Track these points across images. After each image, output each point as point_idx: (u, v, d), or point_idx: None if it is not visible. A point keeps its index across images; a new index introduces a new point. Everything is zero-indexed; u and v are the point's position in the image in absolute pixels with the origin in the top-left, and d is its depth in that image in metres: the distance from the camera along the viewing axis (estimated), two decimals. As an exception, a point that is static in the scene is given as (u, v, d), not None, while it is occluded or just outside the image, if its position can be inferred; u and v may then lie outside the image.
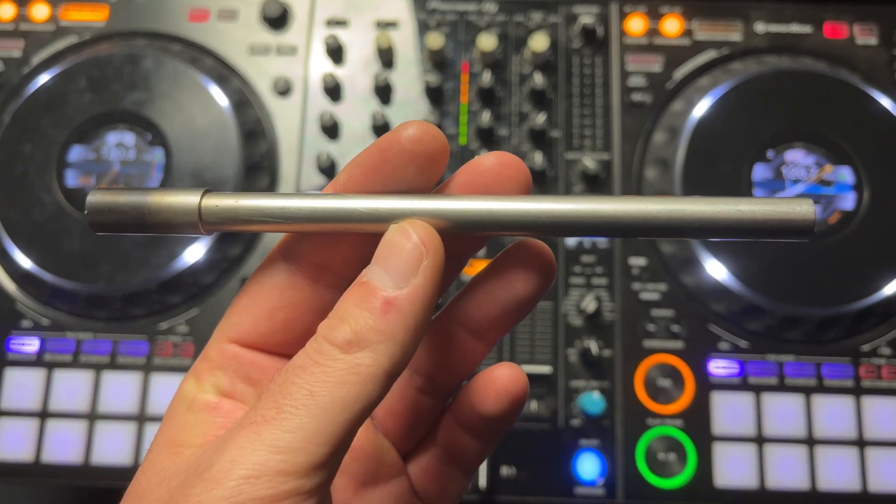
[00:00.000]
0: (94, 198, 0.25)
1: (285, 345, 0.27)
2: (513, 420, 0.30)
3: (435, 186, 0.26)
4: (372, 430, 0.30)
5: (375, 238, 0.24)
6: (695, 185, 0.53)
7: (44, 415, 0.51)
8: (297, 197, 0.25)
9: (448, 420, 0.30)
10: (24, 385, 0.52)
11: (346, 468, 0.29)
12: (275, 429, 0.22)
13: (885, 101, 0.55)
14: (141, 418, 0.51)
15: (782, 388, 0.51)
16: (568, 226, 0.25)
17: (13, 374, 0.52)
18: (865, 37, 0.58)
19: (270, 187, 0.56)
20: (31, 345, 0.53)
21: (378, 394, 0.23)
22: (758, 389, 0.51)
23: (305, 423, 0.21)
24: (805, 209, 0.25)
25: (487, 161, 0.26)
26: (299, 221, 0.25)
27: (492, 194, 0.25)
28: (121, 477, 0.50)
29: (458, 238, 0.26)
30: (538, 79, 0.56)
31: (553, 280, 0.28)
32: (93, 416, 0.51)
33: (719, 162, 0.54)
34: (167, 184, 0.54)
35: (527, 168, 0.26)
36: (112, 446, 0.50)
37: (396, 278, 0.23)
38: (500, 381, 0.29)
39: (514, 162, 0.26)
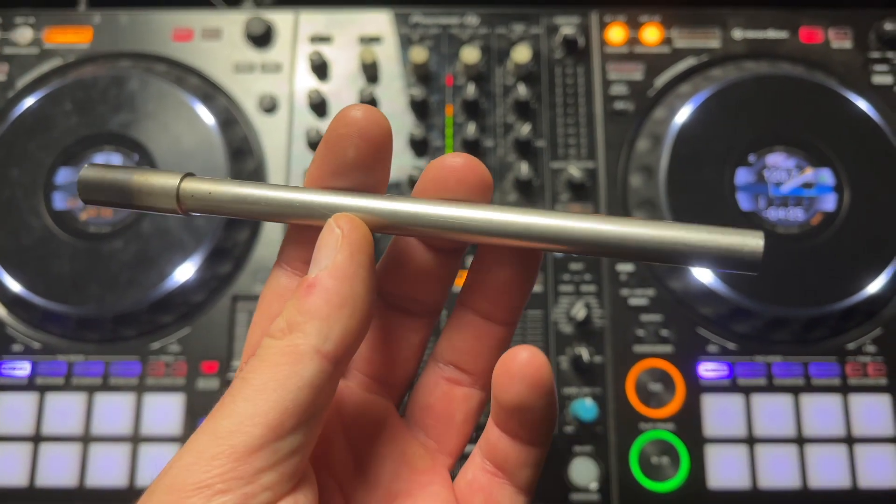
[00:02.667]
0: (85, 173, 0.27)
1: None
2: (541, 410, 0.26)
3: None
4: (399, 435, 0.29)
5: None
6: (679, 192, 0.54)
7: (37, 438, 0.51)
8: (266, 187, 0.26)
9: (489, 426, 0.28)
10: (16, 409, 0.51)
11: (375, 477, 0.28)
12: (213, 418, 0.23)
13: (861, 103, 0.56)
14: (135, 439, 0.51)
15: (771, 388, 0.52)
16: (498, 233, 0.25)
17: (5, 399, 0.52)
18: (840, 41, 0.59)
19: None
20: (22, 368, 0.52)
21: (312, 372, 0.23)
22: (747, 391, 0.51)
23: (239, 407, 0.23)
24: (753, 243, 0.23)
25: (455, 161, 0.26)
26: (264, 211, 0.26)
27: (453, 196, 0.26)
28: (116, 499, 0.50)
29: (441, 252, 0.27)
30: (522, 90, 0.57)
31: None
32: (86, 439, 0.51)
33: (702, 167, 0.55)
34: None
35: (489, 176, 0.26)
36: (107, 468, 0.50)
37: (318, 264, 0.24)
38: (513, 363, 0.26)
39: (477, 165, 0.26)
